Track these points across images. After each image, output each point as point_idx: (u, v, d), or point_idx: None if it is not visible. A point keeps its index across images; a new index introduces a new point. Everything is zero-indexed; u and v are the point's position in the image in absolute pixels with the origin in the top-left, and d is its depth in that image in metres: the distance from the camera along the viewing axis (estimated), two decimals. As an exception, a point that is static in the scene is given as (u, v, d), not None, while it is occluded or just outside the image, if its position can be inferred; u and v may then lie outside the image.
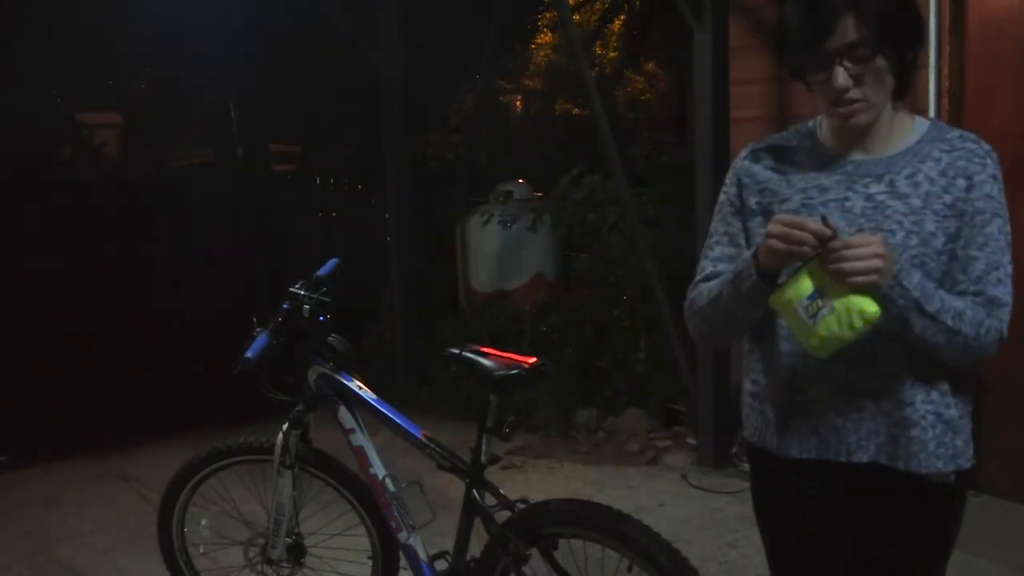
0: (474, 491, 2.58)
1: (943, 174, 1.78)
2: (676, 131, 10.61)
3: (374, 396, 2.78)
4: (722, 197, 1.96)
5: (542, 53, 15.05)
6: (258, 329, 2.66)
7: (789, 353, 1.84)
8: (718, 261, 1.92)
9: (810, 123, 1.93)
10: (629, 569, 2.39)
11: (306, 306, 2.73)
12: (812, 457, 1.85)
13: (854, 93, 1.71)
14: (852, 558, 1.92)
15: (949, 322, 1.70)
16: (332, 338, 2.80)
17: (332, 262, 2.95)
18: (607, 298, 5.98)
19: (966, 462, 1.83)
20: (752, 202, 1.89)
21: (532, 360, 2.55)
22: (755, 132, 5.05)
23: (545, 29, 13.32)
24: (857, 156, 1.82)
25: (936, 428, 1.80)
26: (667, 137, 10.84)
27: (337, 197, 8.71)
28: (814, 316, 1.65)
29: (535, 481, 4.78)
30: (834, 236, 1.62)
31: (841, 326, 1.64)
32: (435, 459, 2.66)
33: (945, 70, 4.26)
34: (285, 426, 2.81)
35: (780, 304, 1.70)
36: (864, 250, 1.61)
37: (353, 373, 2.82)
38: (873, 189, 1.79)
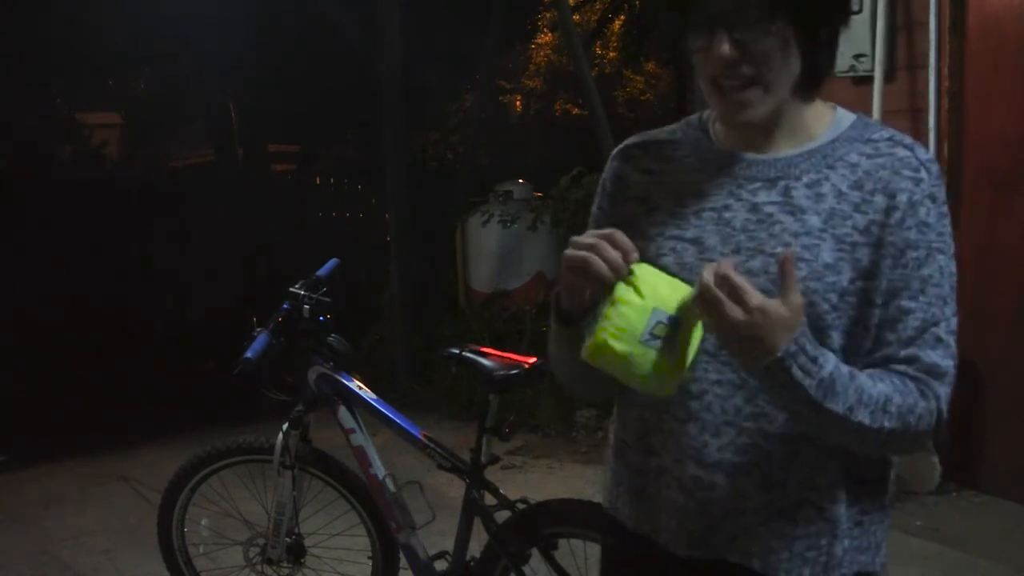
0: (474, 491, 2.58)
1: (857, 186, 1.32)
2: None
3: (374, 396, 2.78)
4: (592, 210, 1.53)
5: (542, 53, 15.06)
6: (258, 329, 2.66)
7: (641, 404, 1.42)
8: None
9: (705, 112, 1.47)
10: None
11: (306, 306, 2.73)
12: (658, 540, 1.42)
13: (743, 68, 1.28)
14: None
15: (866, 421, 1.25)
16: (332, 338, 2.80)
17: (332, 262, 2.95)
18: (607, 298, 5.98)
19: None
20: (619, 213, 1.46)
21: (532, 360, 2.55)
22: (755, 132, 5.06)
23: (545, 29, 13.32)
24: (749, 154, 1.38)
25: (811, 525, 1.35)
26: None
27: (337, 197, 8.72)
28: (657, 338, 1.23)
29: (535, 481, 4.78)
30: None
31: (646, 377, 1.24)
32: (435, 459, 2.66)
33: (945, 70, 4.26)
34: (285, 426, 2.81)
35: (596, 352, 1.25)
36: (727, 278, 1.18)
37: (353, 373, 2.82)
38: (762, 197, 1.35)
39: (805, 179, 1.34)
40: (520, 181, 7.05)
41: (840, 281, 1.29)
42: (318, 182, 9.29)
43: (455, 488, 2.83)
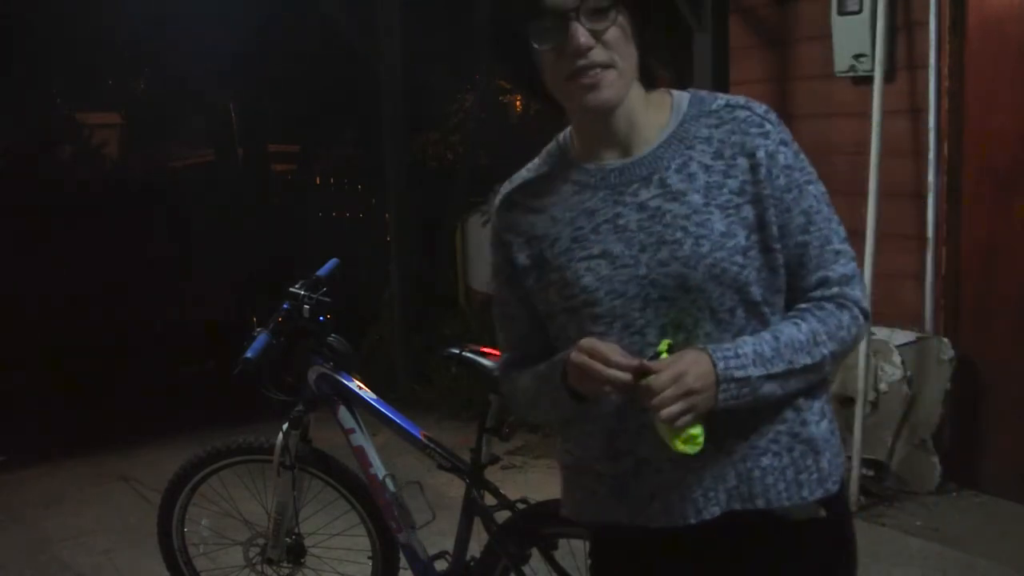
0: (474, 491, 2.58)
1: (718, 155, 1.46)
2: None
3: (374, 396, 2.78)
4: (492, 265, 1.64)
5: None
6: (258, 329, 2.66)
7: (605, 415, 1.50)
8: (515, 345, 1.63)
9: (560, 138, 1.59)
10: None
11: (306, 306, 2.73)
12: (658, 526, 1.50)
13: (598, 55, 1.39)
14: None
15: (807, 360, 1.44)
16: (332, 338, 2.80)
17: (332, 262, 2.95)
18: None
19: (833, 484, 1.53)
20: (522, 258, 1.55)
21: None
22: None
23: (545, 29, 13.32)
24: (617, 161, 1.50)
25: (793, 451, 1.49)
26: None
27: (337, 197, 8.72)
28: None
29: (535, 481, 4.77)
30: (640, 368, 1.37)
31: (685, 445, 1.40)
32: (435, 459, 2.66)
33: (945, 70, 4.26)
34: (285, 426, 2.81)
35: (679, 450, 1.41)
36: (670, 392, 1.34)
37: (353, 373, 2.82)
38: (644, 195, 1.47)
39: (673, 165, 1.47)
40: (520, 181, 7.04)
41: (739, 242, 1.44)
42: (318, 182, 9.29)
43: (455, 488, 2.83)
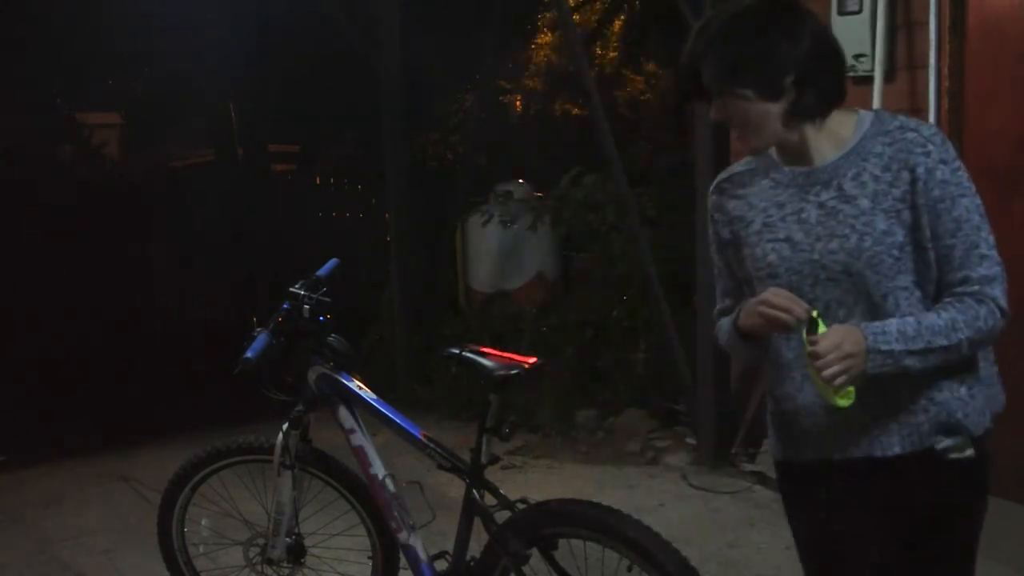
0: (474, 491, 2.58)
1: (887, 168, 1.83)
2: (676, 131, 10.60)
3: (374, 396, 2.78)
4: (710, 233, 2.07)
5: (542, 53, 15.05)
6: (258, 329, 2.66)
7: (795, 361, 1.91)
8: (724, 296, 2.10)
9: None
10: (629, 569, 2.39)
11: (306, 306, 2.73)
12: (840, 457, 1.91)
13: (732, 123, 1.88)
14: (887, 552, 1.97)
15: (944, 342, 1.78)
16: (332, 338, 2.80)
17: (332, 262, 2.95)
18: (607, 298, 5.98)
19: (975, 429, 1.97)
20: (726, 233, 2.00)
21: (532, 360, 2.55)
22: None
23: (545, 29, 13.32)
24: (806, 166, 1.90)
25: (963, 389, 1.92)
26: (667, 137, 10.83)
27: (337, 197, 8.70)
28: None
29: (535, 481, 4.78)
30: (811, 321, 1.76)
31: (841, 400, 1.78)
32: (435, 459, 2.66)
33: (945, 71, 4.26)
34: (285, 426, 2.81)
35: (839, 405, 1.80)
36: (832, 356, 1.72)
37: (353, 373, 2.82)
38: (824, 196, 1.87)
39: (850, 174, 1.85)
40: (520, 181, 7.04)
41: (896, 239, 1.81)
42: (318, 182, 9.26)
43: (455, 488, 2.83)
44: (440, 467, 2.66)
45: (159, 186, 8.00)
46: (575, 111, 12.58)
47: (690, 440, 5.11)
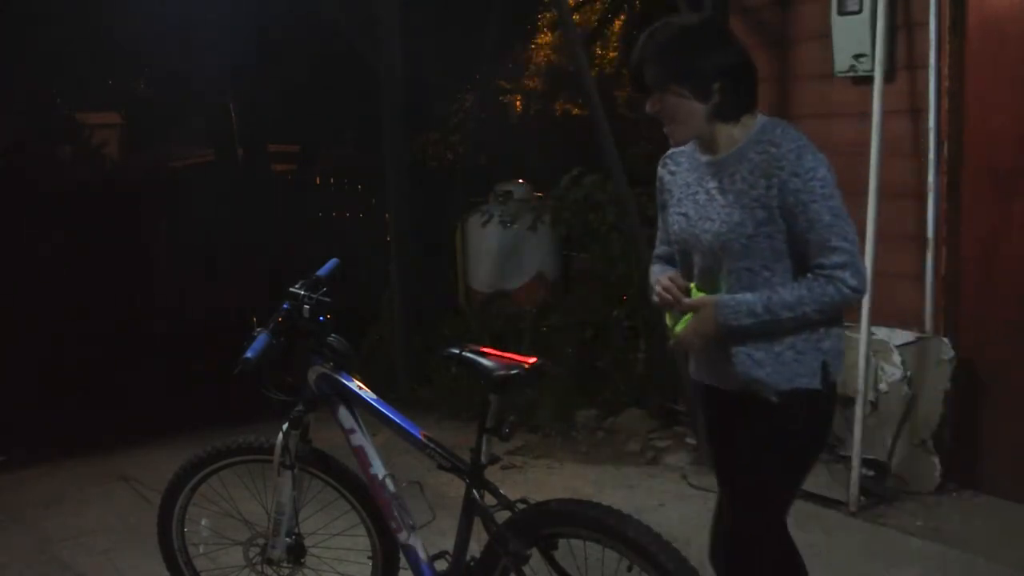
0: (474, 491, 2.58)
1: (751, 173, 2.26)
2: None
3: (374, 396, 2.78)
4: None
5: (542, 53, 15.04)
6: (258, 329, 2.66)
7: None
8: (661, 243, 2.60)
9: None
10: (629, 569, 2.39)
11: (306, 306, 2.73)
12: (708, 383, 2.49)
13: (661, 116, 2.32)
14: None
15: (790, 314, 2.23)
16: (332, 338, 2.80)
17: (332, 262, 2.95)
18: (607, 298, 5.98)
19: (786, 385, 2.31)
20: (661, 198, 2.52)
21: (532, 360, 2.55)
22: (755, 132, 5.06)
23: (545, 29, 13.32)
24: (708, 158, 2.36)
25: (778, 357, 2.32)
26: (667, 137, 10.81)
27: (337, 197, 8.69)
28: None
29: (535, 481, 4.78)
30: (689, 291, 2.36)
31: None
32: (435, 459, 2.66)
33: (945, 71, 4.26)
34: (285, 426, 2.81)
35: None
36: (687, 337, 2.35)
37: (353, 373, 2.82)
38: (710, 185, 2.34)
39: (729, 171, 2.31)
40: (520, 181, 7.04)
41: (745, 231, 2.26)
42: (318, 182, 9.27)
43: (455, 488, 2.83)
44: (440, 467, 2.66)
45: (159, 186, 7.99)
46: (575, 111, 12.58)
47: (690, 440, 5.11)
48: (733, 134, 2.31)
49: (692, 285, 2.34)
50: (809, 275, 2.25)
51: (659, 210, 2.55)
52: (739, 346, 2.31)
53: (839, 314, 2.34)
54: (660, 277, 2.41)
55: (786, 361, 2.31)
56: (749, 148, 2.28)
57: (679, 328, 2.34)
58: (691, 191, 2.38)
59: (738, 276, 2.30)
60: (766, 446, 2.37)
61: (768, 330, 2.25)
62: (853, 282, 2.22)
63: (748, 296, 2.26)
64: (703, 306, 2.29)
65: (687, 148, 2.43)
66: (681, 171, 2.44)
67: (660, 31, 2.29)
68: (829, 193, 2.23)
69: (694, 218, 2.35)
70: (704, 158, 2.37)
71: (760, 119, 2.32)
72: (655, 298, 2.40)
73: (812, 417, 2.38)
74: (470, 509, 2.60)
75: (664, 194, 2.50)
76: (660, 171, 2.51)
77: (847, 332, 4.60)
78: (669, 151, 2.49)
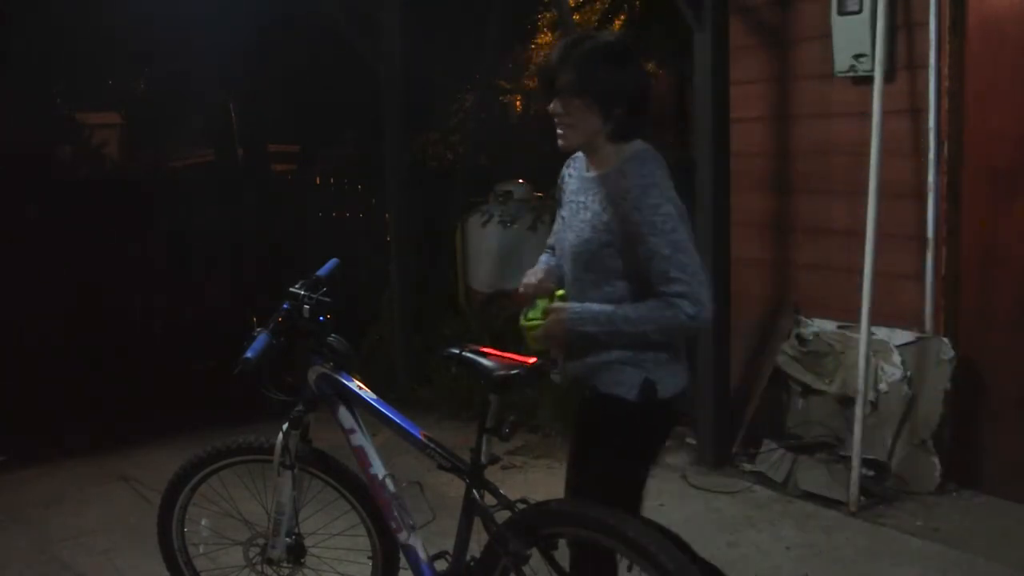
0: (474, 491, 2.58)
1: (606, 199, 2.45)
2: (676, 131, 10.60)
3: (374, 396, 2.78)
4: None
5: (542, 53, 15.03)
6: (258, 329, 2.66)
7: None
8: (553, 234, 2.76)
9: None
10: (629, 569, 2.39)
11: (306, 306, 2.73)
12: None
13: (564, 119, 2.46)
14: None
15: (630, 329, 2.40)
16: (332, 338, 2.80)
17: (332, 262, 2.95)
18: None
19: (616, 391, 2.48)
20: (559, 195, 2.69)
21: (532, 360, 2.55)
22: (755, 132, 5.06)
23: (545, 29, 13.32)
24: (590, 173, 2.54)
25: (609, 368, 2.50)
26: (667, 137, 10.83)
27: (337, 197, 8.68)
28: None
29: (535, 481, 4.78)
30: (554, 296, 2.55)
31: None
32: (435, 459, 2.66)
33: (945, 71, 4.26)
34: (285, 426, 2.81)
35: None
36: (541, 336, 2.51)
37: (353, 373, 2.81)
38: (582, 199, 2.53)
39: (594, 190, 2.50)
40: (520, 181, 7.04)
41: (590, 247, 2.46)
42: (318, 182, 9.25)
43: (455, 488, 2.83)
44: (440, 467, 2.66)
45: (159, 186, 7.97)
46: (575, 111, 12.58)
47: (690, 440, 5.11)
48: (610, 156, 2.48)
49: (561, 292, 2.55)
50: (656, 296, 2.38)
51: (558, 207, 2.71)
52: (577, 351, 2.51)
53: (678, 338, 2.52)
54: (530, 272, 2.61)
55: (612, 369, 2.47)
56: (613, 175, 2.45)
57: (527, 324, 2.53)
58: (571, 199, 2.58)
59: (582, 285, 2.50)
60: (593, 441, 2.57)
61: (610, 341, 2.43)
62: (691, 311, 2.34)
63: (595, 306, 2.44)
64: (557, 311, 2.47)
65: (581, 156, 2.59)
66: (574, 178, 2.62)
67: (586, 42, 2.46)
68: (671, 228, 2.37)
69: (567, 222, 2.58)
70: (587, 172, 2.55)
71: (633, 147, 2.48)
72: (520, 289, 2.60)
73: (631, 427, 2.52)
74: (470, 509, 2.60)
75: (560, 192, 2.69)
76: (563, 170, 2.70)
77: (847, 332, 4.64)
78: (573, 157, 2.66)
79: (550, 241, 2.79)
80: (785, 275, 5.04)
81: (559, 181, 2.69)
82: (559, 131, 2.48)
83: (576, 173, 2.61)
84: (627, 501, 2.55)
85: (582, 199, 2.52)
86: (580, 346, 2.49)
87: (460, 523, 2.64)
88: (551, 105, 2.45)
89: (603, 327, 2.42)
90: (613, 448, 2.53)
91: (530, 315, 2.53)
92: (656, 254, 2.36)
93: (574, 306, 2.46)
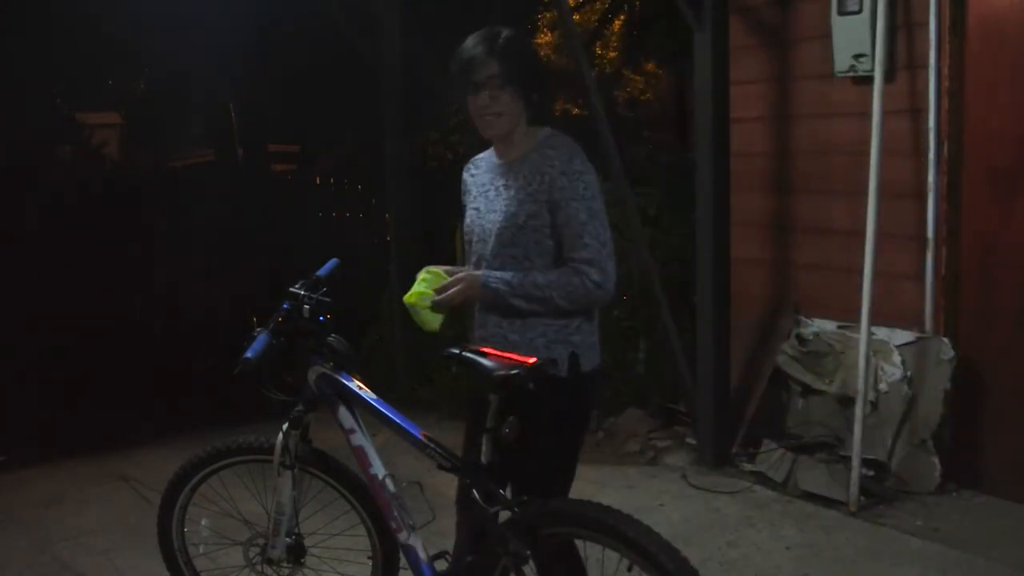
0: (474, 491, 2.58)
1: (532, 171, 2.57)
2: (676, 131, 10.61)
3: (374, 396, 2.77)
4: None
5: (542, 53, 15.03)
6: (258, 329, 2.66)
7: (481, 308, 2.74)
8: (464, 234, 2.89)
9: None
10: (629, 569, 2.39)
11: (306, 306, 2.73)
12: None
13: (493, 108, 2.58)
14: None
15: (539, 294, 2.54)
16: (332, 338, 2.80)
17: (332, 262, 2.95)
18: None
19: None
20: (464, 199, 2.85)
21: (532, 360, 2.55)
22: (755, 132, 5.06)
23: (545, 29, 13.32)
24: (503, 160, 2.69)
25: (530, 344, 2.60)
26: (667, 137, 10.83)
27: (337, 197, 8.69)
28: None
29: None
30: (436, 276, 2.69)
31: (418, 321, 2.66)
32: (435, 459, 2.65)
33: (945, 70, 4.26)
34: (285, 426, 2.81)
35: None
36: (455, 287, 2.62)
37: (353, 373, 2.81)
38: (500, 183, 2.66)
39: (515, 171, 2.63)
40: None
41: (517, 219, 2.58)
42: (318, 182, 9.26)
43: (455, 488, 2.82)
44: (440, 467, 2.66)
45: (159, 186, 7.97)
46: (575, 111, 12.58)
47: (690, 440, 5.11)
48: (527, 139, 2.65)
49: (433, 268, 2.72)
50: (564, 265, 2.54)
51: (464, 207, 2.85)
52: (497, 328, 2.63)
53: (588, 309, 2.62)
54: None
55: (537, 347, 2.58)
56: (534, 151, 2.60)
57: (417, 298, 2.63)
58: (484, 189, 2.71)
59: (503, 260, 2.61)
60: (525, 422, 2.51)
61: (520, 306, 2.56)
62: (597, 278, 2.51)
63: (509, 272, 2.58)
64: (468, 274, 2.64)
65: (485, 154, 2.78)
66: (480, 173, 2.77)
67: (501, 35, 2.62)
68: (591, 195, 2.55)
69: (483, 211, 2.69)
70: (499, 160, 2.70)
71: (545, 130, 2.66)
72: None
73: (563, 403, 2.60)
74: (470, 509, 2.59)
75: (465, 195, 2.83)
76: (464, 175, 2.86)
77: (847, 332, 4.64)
78: (473, 158, 2.85)
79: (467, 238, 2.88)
80: (785, 275, 5.04)
81: (462, 185, 2.84)
82: (485, 121, 2.61)
83: (483, 168, 2.77)
84: (562, 478, 2.69)
85: (500, 183, 2.65)
86: (495, 320, 2.64)
87: (460, 523, 2.63)
88: (481, 98, 2.57)
89: (513, 289, 2.54)
90: (546, 426, 2.56)
91: (413, 291, 2.62)
92: (573, 218, 2.52)
93: (490, 272, 2.60)
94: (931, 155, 4.31)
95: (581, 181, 2.55)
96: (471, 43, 2.63)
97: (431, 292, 2.63)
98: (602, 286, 2.52)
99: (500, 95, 2.57)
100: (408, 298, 2.63)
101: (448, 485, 3.26)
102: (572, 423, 2.70)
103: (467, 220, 2.78)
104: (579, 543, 2.52)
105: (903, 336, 4.43)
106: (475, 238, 2.73)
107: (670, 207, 6.08)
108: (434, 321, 2.64)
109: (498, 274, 2.59)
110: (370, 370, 5.88)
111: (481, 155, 2.83)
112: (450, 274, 2.68)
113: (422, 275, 2.66)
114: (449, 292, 2.60)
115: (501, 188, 2.65)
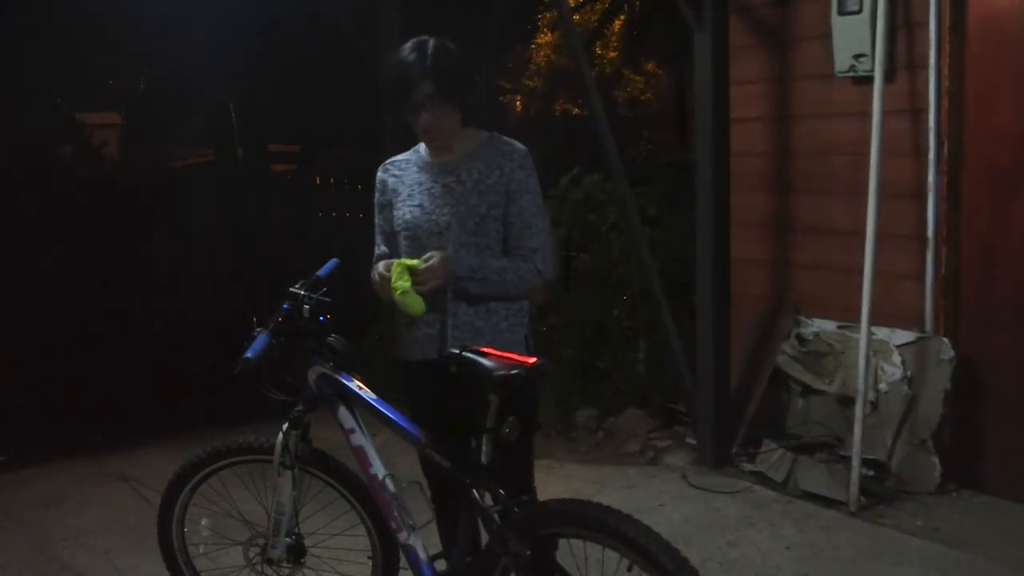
0: (474, 491, 2.58)
1: (488, 166, 2.73)
2: (676, 131, 10.62)
3: (374, 396, 2.77)
4: (375, 199, 2.95)
5: (542, 53, 15.07)
6: (258, 329, 2.66)
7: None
8: (381, 244, 2.97)
9: (419, 146, 2.88)
10: (629, 569, 2.39)
11: (306, 306, 2.73)
12: (425, 359, 2.80)
13: (436, 125, 2.70)
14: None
15: (496, 278, 2.69)
16: (332, 338, 2.80)
17: (332, 262, 2.95)
18: (607, 298, 5.98)
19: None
20: (386, 199, 2.89)
21: (532, 360, 2.54)
22: (755, 132, 5.07)
23: (545, 29, 13.33)
24: (441, 160, 2.80)
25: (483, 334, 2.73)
26: (667, 137, 10.84)
27: (337, 197, 8.69)
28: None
29: (535, 481, 4.77)
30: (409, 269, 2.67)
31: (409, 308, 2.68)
32: (435, 459, 2.65)
33: (945, 71, 4.26)
34: (285, 426, 2.81)
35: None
36: (431, 271, 2.63)
37: (353, 373, 2.81)
38: (446, 180, 2.76)
39: (464, 167, 2.76)
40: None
41: (480, 210, 2.71)
42: (318, 182, 9.27)
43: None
44: (440, 467, 2.66)
45: (159, 186, 7.97)
46: (575, 111, 12.59)
47: (690, 440, 5.11)
48: (467, 139, 2.78)
49: (406, 260, 2.69)
50: (513, 255, 2.72)
51: (378, 210, 2.92)
52: (466, 316, 2.73)
53: (527, 295, 2.81)
54: (379, 267, 2.76)
55: (501, 330, 2.75)
56: (484, 148, 2.76)
57: (400, 288, 2.66)
58: (425, 187, 2.78)
59: (467, 249, 2.70)
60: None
61: (480, 291, 2.68)
62: (541, 266, 2.73)
63: (472, 258, 2.69)
64: (436, 255, 2.65)
65: (408, 155, 2.89)
66: (409, 173, 2.84)
67: (430, 50, 2.68)
68: (537, 191, 2.77)
69: (429, 207, 2.75)
70: (436, 160, 2.80)
71: (482, 132, 2.81)
72: (375, 276, 2.76)
73: (529, 388, 2.73)
74: (470, 509, 2.59)
75: (388, 194, 2.88)
76: (382, 176, 2.90)
77: (847, 332, 4.64)
78: (390, 160, 2.92)
79: (380, 251, 2.95)
80: (785, 275, 5.04)
81: (380, 185, 2.89)
82: (430, 137, 2.74)
83: (412, 169, 2.84)
84: (527, 461, 2.95)
85: (448, 180, 2.75)
86: (459, 307, 2.72)
87: (460, 523, 2.63)
88: (426, 117, 2.67)
89: (475, 275, 2.66)
90: (519, 409, 2.59)
91: (395, 283, 2.65)
92: (525, 210, 2.72)
93: (450, 254, 2.67)
94: (931, 155, 4.32)
95: (533, 178, 2.76)
96: (401, 62, 2.69)
97: (409, 281, 2.68)
98: (543, 274, 2.74)
99: (439, 110, 2.68)
100: (397, 293, 2.67)
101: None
102: (532, 408, 2.91)
103: (404, 216, 2.79)
104: (579, 543, 2.51)
105: (903, 336, 4.43)
106: (422, 233, 2.75)
107: (670, 207, 6.08)
108: (419, 305, 2.69)
109: (460, 258, 2.68)
110: (370, 370, 5.87)
111: (400, 156, 2.91)
112: (425, 261, 2.69)
113: (396, 268, 2.68)
114: (428, 279, 2.65)
115: (452, 184, 2.74)
